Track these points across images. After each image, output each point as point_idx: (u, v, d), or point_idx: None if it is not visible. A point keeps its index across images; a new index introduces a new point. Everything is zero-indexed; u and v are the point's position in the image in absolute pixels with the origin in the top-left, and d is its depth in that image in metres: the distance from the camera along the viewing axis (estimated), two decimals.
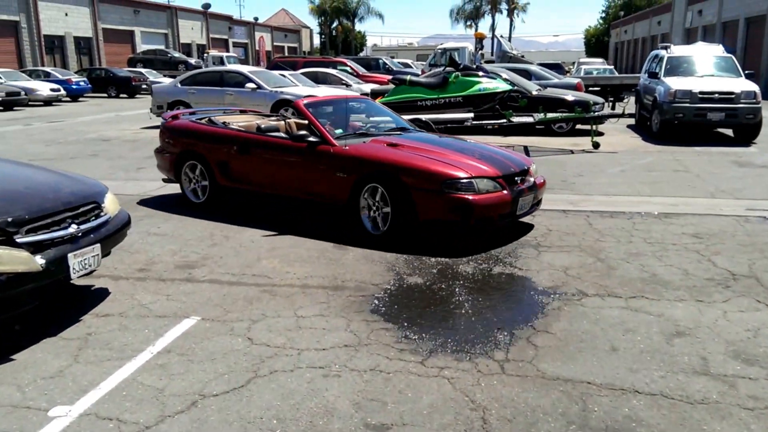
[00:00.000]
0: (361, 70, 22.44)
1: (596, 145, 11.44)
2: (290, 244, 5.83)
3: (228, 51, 50.47)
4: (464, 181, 5.47)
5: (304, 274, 5.03)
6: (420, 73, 18.81)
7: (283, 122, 7.82)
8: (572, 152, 11.31)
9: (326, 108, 7.09)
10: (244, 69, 15.88)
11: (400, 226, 5.72)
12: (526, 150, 11.53)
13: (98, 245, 3.94)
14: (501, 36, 18.01)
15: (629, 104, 18.29)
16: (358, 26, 71.95)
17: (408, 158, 5.80)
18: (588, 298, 4.58)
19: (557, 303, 4.46)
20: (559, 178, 8.86)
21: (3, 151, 11.75)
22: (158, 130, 7.91)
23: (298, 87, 15.84)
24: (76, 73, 31.31)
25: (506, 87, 11.73)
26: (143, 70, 32.84)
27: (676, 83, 12.52)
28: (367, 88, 17.32)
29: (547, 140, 12.73)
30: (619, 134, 13.79)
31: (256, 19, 65.28)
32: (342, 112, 7.21)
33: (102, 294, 4.53)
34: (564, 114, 11.91)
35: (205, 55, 38.57)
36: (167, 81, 18.61)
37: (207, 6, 52.50)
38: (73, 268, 3.72)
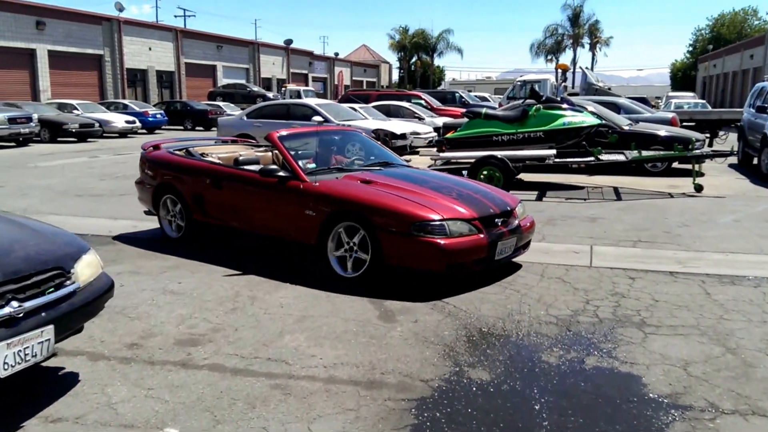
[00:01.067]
0: (436, 103, 21.48)
1: (699, 188, 9.79)
2: (326, 312, 4.71)
3: (307, 85, 51.08)
4: (435, 223, 5.01)
5: (334, 359, 3.87)
6: (497, 106, 17.59)
7: (270, 154, 7.23)
8: (671, 196, 9.71)
9: (306, 141, 6.69)
10: (312, 102, 15.28)
11: (371, 271, 5.24)
12: (616, 192, 10.03)
13: (50, 327, 2.95)
14: (586, 67, 16.60)
15: (727, 141, 16.41)
16: (437, 61, 71.84)
17: (377, 196, 5.37)
18: (725, 416, 3.19)
19: (683, 426, 3.10)
20: (661, 228, 7.37)
21: (53, 184, 11.40)
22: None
23: (366, 120, 15.07)
24: (154, 105, 31.96)
25: (594, 121, 10.32)
26: (221, 104, 33.18)
27: None
28: (441, 121, 16.28)
29: (639, 181, 11.14)
30: (722, 175, 11.99)
31: (336, 54, 66.23)
32: (325, 145, 6.81)
33: (69, 382, 3.52)
34: (663, 152, 10.31)
35: (283, 89, 38.86)
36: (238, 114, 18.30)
37: (289, 42, 53.58)
38: (4, 363, 2.73)
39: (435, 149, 11.53)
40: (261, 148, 7.61)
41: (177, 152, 7.05)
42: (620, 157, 10.10)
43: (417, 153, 15.60)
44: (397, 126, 14.65)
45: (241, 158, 6.62)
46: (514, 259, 5.77)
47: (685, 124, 14.79)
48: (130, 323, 4.50)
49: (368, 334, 4.28)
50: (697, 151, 10.20)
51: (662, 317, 4.53)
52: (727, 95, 49.41)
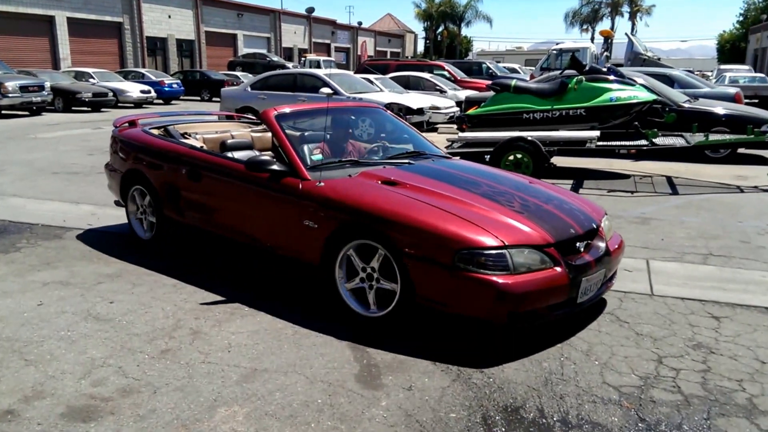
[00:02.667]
0: (460, 75, 19.73)
1: None
2: (287, 363, 3.35)
3: (329, 55, 49.38)
4: (492, 252, 3.35)
5: None
6: (528, 78, 15.85)
7: (270, 137, 5.66)
8: (741, 190, 8.02)
9: (312, 122, 4.92)
10: (320, 72, 13.78)
11: (402, 308, 3.64)
12: (671, 183, 8.40)
13: None
14: (633, 34, 14.72)
15: None
16: (465, 31, 69.02)
17: (405, 207, 3.69)
18: None
19: None
20: (736, 236, 5.80)
21: (36, 159, 10.23)
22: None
23: (381, 93, 13.55)
24: (172, 75, 30.93)
25: (647, 96, 8.65)
26: (239, 74, 31.95)
27: None
28: (464, 95, 14.66)
29: (697, 169, 9.46)
30: None
31: (360, 23, 64.09)
32: (338, 128, 5.11)
33: None
34: (734, 137, 8.55)
35: (303, 58, 37.35)
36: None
37: (311, 10, 51.67)
38: None
39: (456, 127, 9.97)
40: (260, 128, 6.12)
41: (153, 131, 5.57)
42: (680, 142, 8.43)
43: (436, 130, 14.05)
44: (413, 99, 13.09)
45: (229, 142, 5.19)
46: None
47: (747, 101, 12.92)
48: (22, 371, 3.24)
49: (338, 411, 2.90)
50: None
51: None
52: None
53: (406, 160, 4.58)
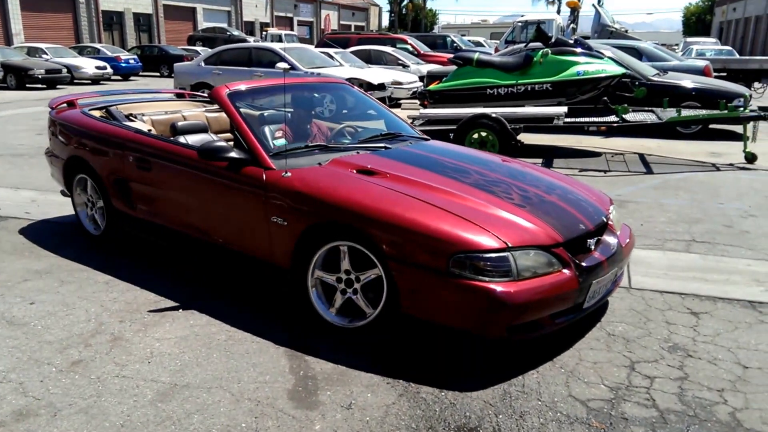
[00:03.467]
0: (423, 49, 19.15)
1: (752, 158, 7.84)
2: (214, 377, 2.92)
3: (292, 29, 48.14)
4: (492, 255, 2.85)
5: None
6: (493, 52, 15.41)
7: (227, 117, 5.15)
8: (717, 168, 7.74)
9: (270, 100, 4.32)
10: (276, 46, 13.13)
11: (383, 319, 3.16)
12: (644, 161, 8.11)
13: None
14: (600, 5, 14.32)
15: (763, 95, 14.42)
16: (430, 4, 68.23)
17: (388, 202, 3.15)
18: None
19: None
20: (718, 219, 5.50)
21: None
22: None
23: (341, 68, 12.99)
24: (129, 50, 29.78)
25: (616, 70, 8.30)
26: (199, 49, 30.89)
27: None
28: (428, 69, 14.18)
29: (669, 145, 9.19)
30: None
31: None
32: (301, 107, 4.56)
33: None
34: (708, 112, 8.23)
35: (264, 33, 36.27)
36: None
37: None
38: None
39: (419, 103, 9.52)
40: (215, 107, 5.51)
41: (93, 113, 4.94)
42: (651, 117, 8.10)
43: (399, 106, 13.57)
44: (374, 74, 12.56)
45: (179, 125, 4.55)
46: None
47: (715, 74, 12.71)
48: None
49: None
50: (752, 111, 7.99)
51: (764, 405, 2.71)
52: (748, 42, 46.52)
53: (381, 144, 4.04)
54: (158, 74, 28.67)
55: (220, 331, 3.39)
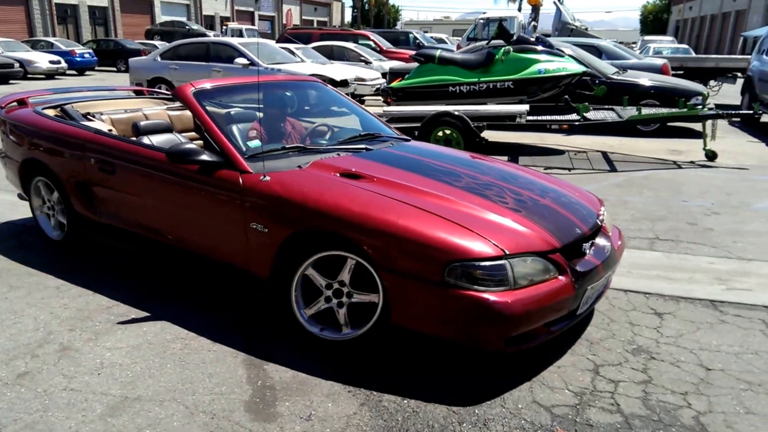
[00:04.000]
0: (386, 45, 19.07)
1: (712, 155, 7.98)
2: (167, 388, 2.80)
3: (253, 24, 47.44)
4: (488, 264, 2.71)
5: None
6: (455, 49, 15.42)
7: (191, 115, 4.91)
8: (678, 166, 7.85)
9: (238, 99, 4.18)
10: (235, 41, 12.88)
11: (379, 328, 3.02)
12: (607, 159, 8.20)
13: None
14: (561, 2, 14.40)
15: (718, 93, 14.76)
16: (393, 0, 68.08)
17: (377, 208, 2.98)
18: None
19: None
20: (682, 217, 5.56)
21: None
22: None
23: (302, 64, 12.81)
24: (84, 44, 28.90)
25: (577, 68, 8.36)
26: (157, 43, 30.21)
27: None
28: (390, 66, 14.11)
29: (630, 143, 9.32)
30: (727, 136, 10.14)
31: None
32: (273, 107, 4.26)
33: None
34: (669, 111, 8.30)
35: (224, 27, 35.71)
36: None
37: None
38: None
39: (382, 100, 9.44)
40: (177, 104, 5.26)
41: (48, 112, 4.63)
42: (612, 116, 8.19)
43: (363, 103, 13.49)
44: (337, 71, 12.42)
45: (142, 124, 4.34)
46: None
47: (673, 72, 12.95)
48: None
49: None
50: (710, 109, 8.17)
51: (728, 410, 2.71)
52: (703, 41, 47.76)
53: (362, 146, 3.85)
54: (115, 69, 27.97)
55: (175, 339, 3.26)
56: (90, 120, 4.55)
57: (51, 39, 27.59)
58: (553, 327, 2.90)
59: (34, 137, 4.48)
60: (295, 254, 3.11)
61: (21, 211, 5.37)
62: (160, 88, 12.61)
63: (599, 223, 3.35)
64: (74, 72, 25.13)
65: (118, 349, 3.15)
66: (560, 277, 2.84)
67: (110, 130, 4.34)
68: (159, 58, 12.69)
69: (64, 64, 23.65)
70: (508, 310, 2.64)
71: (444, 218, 2.88)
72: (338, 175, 3.30)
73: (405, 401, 2.74)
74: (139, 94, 5.78)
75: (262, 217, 3.19)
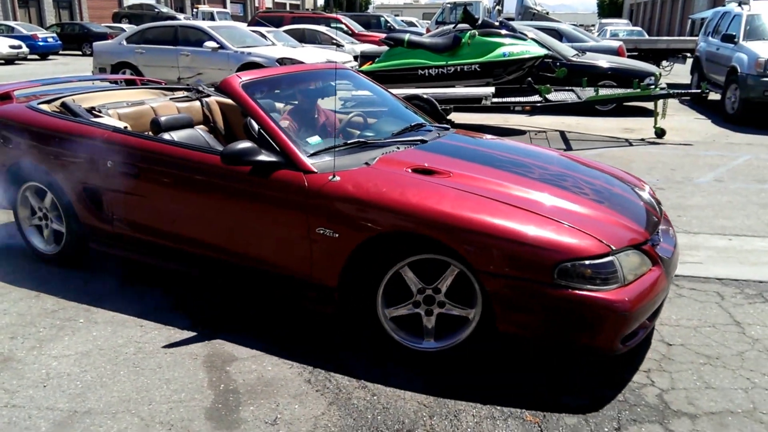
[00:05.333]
0: (358, 28, 18.62)
1: (661, 133, 7.99)
2: (120, 399, 2.53)
3: (225, 7, 46.09)
4: (599, 261, 2.46)
5: None
6: (424, 32, 15.11)
7: (199, 106, 4.43)
8: (630, 143, 7.80)
9: (282, 91, 3.62)
10: (204, 24, 12.32)
11: (476, 338, 2.68)
12: (564, 138, 8.11)
13: None
14: None
15: (670, 73, 14.85)
16: None
17: (471, 207, 2.63)
18: None
19: None
20: None
21: None
22: None
23: (273, 47, 12.34)
24: (47, 28, 27.62)
25: (539, 51, 8.18)
26: (125, 26, 29.00)
27: (765, 50, 8.95)
28: (361, 49, 13.73)
29: (587, 122, 9.24)
30: (677, 114, 10.18)
31: None
32: (309, 98, 3.80)
33: None
34: (624, 91, 8.26)
35: (195, 10, 34.57)
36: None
37: None
38: None
39: None
40: (180, 95, 4.62)
41: (43, 107, 3.90)
42: (572, 96, 8.07)
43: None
44: (308, 54, 11.98)
45: (163, 120, 3.78)
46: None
47: (628, 53, 12.90)
48: None
49: None
50: (662, 89, 8.21)
51: (689, 386, 2.61)
52: (655, 23, 48.13)
53: (417, 137, 3.46)
54: (80, 53, 26.80)
55: (128, 342, 2.98)
56: (97, 116, 3.89)
57: (11, 23, 26.31)
58: (649, 320, 2.68)
59: (31, 138, 3.76)
60: (376, 258, 2.75)
61: None
62: (124, 73, 12.03)
63: (659, 205, 3.19)
64: (37, 57, 23.99)
65: (65, 357, 2.85)
66: (653, 268, 2.62)
67: (125, 127, 3.72)
68: (125, 42, 12.05)
69: (25, 49, 22.55)
70: (627, 308, 2.41)
71: (541, 215, 2.61)
72: (410, 171, 2.94)
73: (375, 396, 2.55)
74: (130, 83, 5.05)
75: (332, 220, 2.79)
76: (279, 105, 3.78)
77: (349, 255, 2.77)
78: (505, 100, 7.93)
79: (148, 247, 3.49)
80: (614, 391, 2.58)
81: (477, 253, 2.52)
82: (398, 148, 3.28)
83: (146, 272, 3.71)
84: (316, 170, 2.92)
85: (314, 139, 3.28)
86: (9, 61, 21.97)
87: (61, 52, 25.62)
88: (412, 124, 3.74)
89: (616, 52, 11.52)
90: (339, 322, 3.10)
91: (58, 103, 3.99)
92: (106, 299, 3.43)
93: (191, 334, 3.06)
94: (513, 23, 10.08)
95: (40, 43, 24.16)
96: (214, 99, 4.55)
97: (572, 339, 2.52)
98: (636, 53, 14.10)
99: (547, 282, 2.44)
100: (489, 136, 4.09)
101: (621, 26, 24.82)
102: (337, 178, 2.86)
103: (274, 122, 3.15)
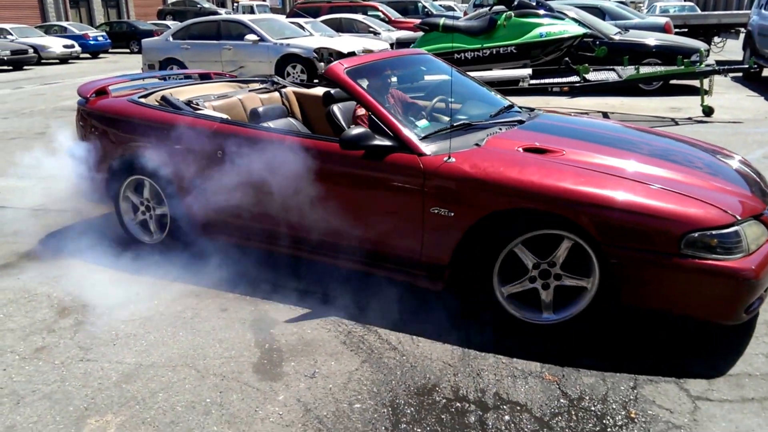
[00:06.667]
0: (394, 15, 18.81)
1: (709, 111, 7.90)
2: (179, 355, 2.89)
3: (265, 0, 46.86)
4: (725, 231, 2.57)
5: None
6: (462, 16, 15.18)
7: (279, 97, 4.60)
8: (676, 123, 7.78)
9: (379, 77, 3.76)
10: (245, 18, 12.79)
11: (593, 311, 2.82)
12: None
13: None
14: None
15: (723, 50, 14.44)
16: None
17: (592, 182, 2.76)
18: None
19: None
20: None
21: None
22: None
23: (311, 38, 12.69)
24: (97, 27, 28.84)
25: (578, 30, 8.26)
26: (170, 23, 30.03)
27: None
28: (397, 36, 13.96)
29: (631, 102, 9.20)
30: (728, 91, 10.01)
31: None
32: (405, 83, 4.04)
33: None
34: (665, 68, 8.24)
35: (235, 4, 35.35)
36: None
37: None
38: None
39: None
40: (257, 87, 4.81)
41: (141, 101, 4.09)
42: (613, 76, 8.08)
43: None
44: (344, 43, 12.28)
45: (261, 110, 4.02)
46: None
47: (677, 30, 12.69)
48: None
49: (227, 412, 2.49)
50: (707, 65, 8.09)
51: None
52: None
53: (516, 118, 3.62)
54: (128, 50, 27.83)
55: (185, 309, 3.34)
56: (197, 108, 4.05)
57: (64, 23, 27.58)
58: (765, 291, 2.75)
59: (141, 131, 3.89)
60: (493, 236, 2.86)
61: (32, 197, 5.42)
62: (171, 68, 12.61)
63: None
64: (88, 55, 25.06)
65: (132, 321, 3.23)
66: None
67: (227, 119, 3.85)
68: (171, 38, 12.63)
69: (78, 48, 23.57)
70: (753, 276, 2.51)
71: (663, 188, 2.72)
72: (522, 150, 3.08)
73: (404, 357, 2.83)
74: (203, 77, 5.21)
75: (448, 200, 2.93)
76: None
77: (464, 233, 2.90)
78: (542, 81, 8.01)
79: (257, 232, 3.63)
80: (631, 352, 2.78)
81: (601, 227, 2.62)
82: (500, 129, 3.43)
83: (209, 250, 3.92)
84: (428, 152, 3.06)
85: (422, 123, 3.45)
86: (63, 60, 22.99)
87: (110, 50, 26.73)
88: (506, 106, 3.88)
89: (663, 28, 11.36)
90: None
91: (157, 96, 4.18)
92: (167, 275, 3.76)
93: (242, 303, 3.40)
94: (551, 2, 10.09)
95: (91, 42, 25.25)
96: (290, 89, 4.72)
97: (698, 308, 2.63)
98: (686, 29, 13.78)
99: (673, 253, 2.54)
100: (580, 116, 4.20)
101: (672, 1, 24.15)
102: (453, 159, 2.98)
103: (384, 107, 3.29)
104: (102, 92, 4.32)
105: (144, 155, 3.82)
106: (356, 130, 3.10)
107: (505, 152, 3.07)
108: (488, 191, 2.85)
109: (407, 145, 3.11)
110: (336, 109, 3.74)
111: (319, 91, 4.59)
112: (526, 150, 3.08)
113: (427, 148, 3.08)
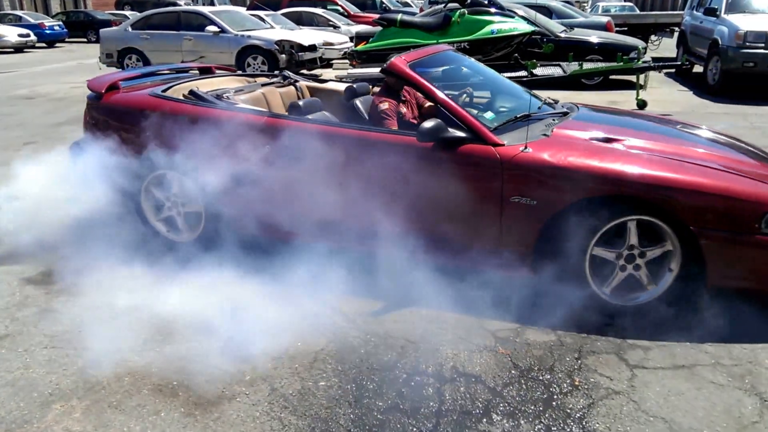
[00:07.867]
0: (353, 9, 18.68)
1: (643, 105, 8.17)
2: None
3: None
4: None
5: None
6: (418, 12, 15.20)
7: (295, 91, 4.39)
8: None
9: (435, 70, 3.65)
10: (205, 9, 12.49)
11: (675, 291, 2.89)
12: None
13: None
14: None
15: (659, 47, 14.92)
16: None
17: (673, 169, 2.82)
18: None
19: None
20: None
21: None
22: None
23: (272, 30, 12.49)
24: (53, 16, 27.65)
25: (527, 28, 8.39)
26: (128, 13, 29.01)
27: (745, 23, 9.09)
28: (356, 30, 13.86)
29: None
30: (661, 86, 10.35)
31: None
32: (454, 77, 4.04)
33: None
34: (607, 64, 8.48)
35: None
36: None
37: None
38: None
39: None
40: (276, 80, 4.53)
41: (166, 95, 3.77)
42: (558, 71, 8.28)
43: (330, 66, 13.30)
44: (305, 36, 12.14)
45: (301, 104, 3.69)
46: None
47: (617, 29, 13.04)
48: None
49: (194, 394, 2.46)
50: (644, 62, 8.38)
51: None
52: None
53: (563, 110, 3.60)
54: (85, 40, 26.81)
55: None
56: (231, 103, 3.74)
57: (18, 12, 26.38)
58: None
59: (169, 125, 3.52)
60: (580, 224, 2.82)
61: None
62: (130, 58, 12.22)
63: None
64: (44, 45, 24.05)
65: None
66: None
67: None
68: (130, 29, 12.23)
69: (33, 37, 22.61)
70: None
71: (734, 173, 2.86)
72: (591, 140, 3.09)
73: (368, 336, 2.84)
74: (206, 71, 4.78)
75: (530, 189, 2.88)
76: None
77: (547, 221, 2.88)
78: None
79: (309, 228, 3.38)
80: (577, 328, 2.86)
81: (689, 210, 2.69)
82: (554, 120, 3.39)
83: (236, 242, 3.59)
84: (503, 142, 2.99)
85: (489, 114, 3.38)
86: (18, 49, 22.01)
87: (67, 39, 25.68)
88: (547, 100, 3.87)
89: (605, 27, 11.66)
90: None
91: (183, 90, 3.87)
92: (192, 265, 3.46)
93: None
94: (501, 1, 10.22)
95: (47, 32, 24.23)
96: (304, 84, 4.54)
97: None
98: (626, 28, 14.17)
99: (754, 231, 2.67)
100: (621, 109, 4.37)
101: (613, 1, 24.75)
102: (530, 149, 2.93)
103: (453, 100, 3.24)
104: (114, 87, 3.96)
105: (175, 150, 3.47)
106: (430, 123, 2.97)
107: (579, 141, 3.08)
108: (573, 179, 2.81)
109: (481, 136, 3.03)
110: (359, 102, 3.78)
111: (331, 85, 4.55)
112: (594, 139, 3.11)
113: (502, 139, 3.03)
